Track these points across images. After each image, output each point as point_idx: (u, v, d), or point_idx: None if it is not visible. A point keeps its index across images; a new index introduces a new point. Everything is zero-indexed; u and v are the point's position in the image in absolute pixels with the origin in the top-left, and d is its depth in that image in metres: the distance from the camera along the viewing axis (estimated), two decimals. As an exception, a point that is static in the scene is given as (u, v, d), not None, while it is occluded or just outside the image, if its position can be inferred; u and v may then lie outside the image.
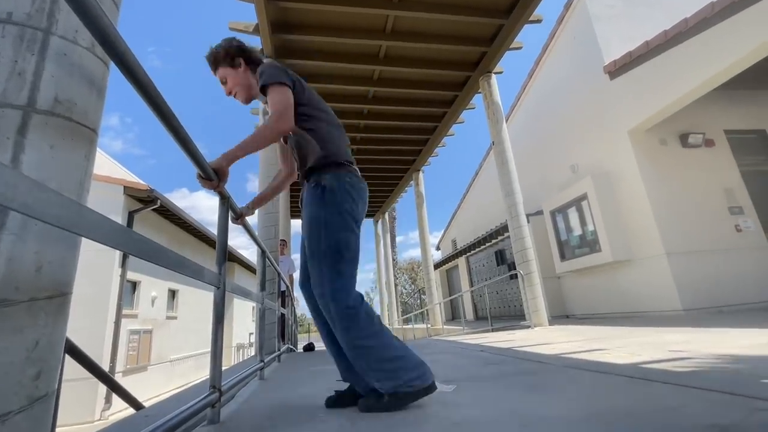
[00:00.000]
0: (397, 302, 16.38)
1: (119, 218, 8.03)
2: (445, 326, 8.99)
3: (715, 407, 1.04)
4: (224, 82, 1.61)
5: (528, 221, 8.46)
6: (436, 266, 15.94)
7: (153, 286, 9.63)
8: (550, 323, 5.55)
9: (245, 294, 1.88)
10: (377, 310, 13.68)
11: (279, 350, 3.37)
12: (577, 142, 7.35)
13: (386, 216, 14.42)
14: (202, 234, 11.58)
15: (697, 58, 4.79)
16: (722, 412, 0.98)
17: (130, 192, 8.26)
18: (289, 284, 6.44)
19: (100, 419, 6.93)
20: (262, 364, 2.29)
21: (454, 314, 15.52)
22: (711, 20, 4.48)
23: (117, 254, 7.92)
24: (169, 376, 10.22)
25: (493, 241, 10.64)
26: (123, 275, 8.04)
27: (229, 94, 1.62)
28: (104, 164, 10.80)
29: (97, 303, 7.42)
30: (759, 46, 4.09)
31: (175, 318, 10.89)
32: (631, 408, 1.11)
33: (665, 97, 5.33)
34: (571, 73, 7.45)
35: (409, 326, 11.14)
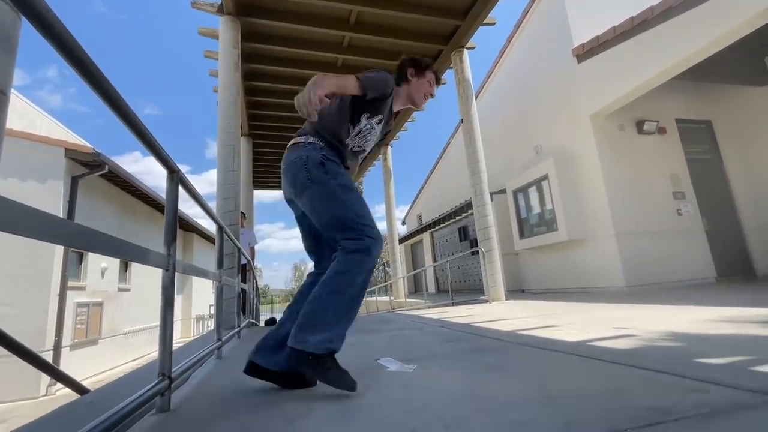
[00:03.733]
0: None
1: (60, 184, 7.38)
2: (408, 299, 9.22)
3: (657, 388, 1.11)
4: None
5: (492, 200, 8.68)
6: (402, 240, 16.16)
7: (103, 257, 9.06)
8: (507, 297, 5.81)
9: (200, 273, 1.78)
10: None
11: (239, 326, 3.29)
12: (542, 123, 7.50)
13: (353, 189, 14.28)
14: (158, 203, 10.93)
15: (659, 46, 4.94)
16: (663, 393, 1.05)
17: (73, 155, 7.57)
18: (249, 257, 6.27)
19: (45, 395, 6.60)
20: (220, 342, 2.22)
21: (417, 287, 15.96)
22: (675, 10, 4.60)
23: (60, 222, 7.32)
24: (123, 349, 9.86)
25: (458, 217, 10.88)
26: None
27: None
28: (41, 122, 9.78)
29: (38, 276, 6.90)
30: (716, 38, 4.27)
31: (128, 290, 10.40)
32: (582, 389, 1.16)
33: (627, 84, 5.50)
34: (541, 53, 7.49)
35: (373, 298, 11.34)
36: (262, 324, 5.67)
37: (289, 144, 1.60)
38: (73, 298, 7.71)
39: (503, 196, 8.45)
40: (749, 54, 6.15)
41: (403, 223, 18.48)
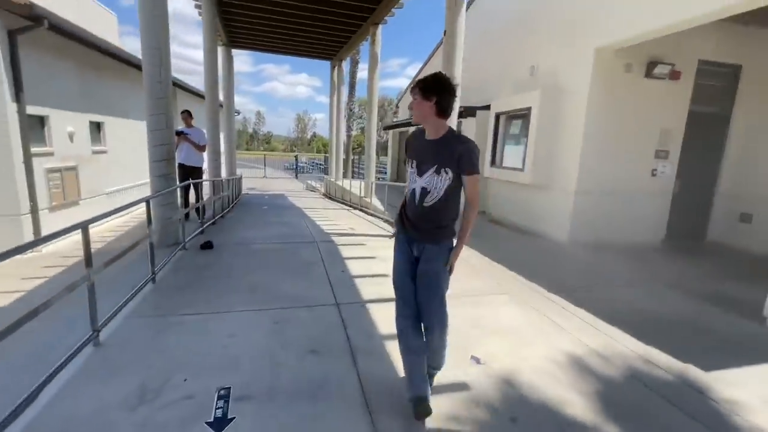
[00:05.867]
0: (348, 156, 16.39)
1: (-6, 42, 6.59)
2: (374, 200, 9.42)
3: None
4: (411, 108, 1.92)
5: (475, 115, 8.04)
6: (391, 127, 15.48)
7: (68, 120, 8.79)
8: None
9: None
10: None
11: (153, 274, 3.30)
12: (541, 43, 6.35)
13: (343, 64, 12.91)
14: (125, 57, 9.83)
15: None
16: None
17: (4, 5, 6.51)
18: (198, 158, 6.15)
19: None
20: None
21: (399, 175, 16.02)
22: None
23: (5, 86, 6.84)
24: (110, 207, 10.45)
25: (443, 121, 10.20)
26: (21, 111, 7.16)
27: (415, 118, 1.91)
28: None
29: (-6, 144, 6.82)
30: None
31: (104, 152, 10.42)
32: None
33: (655, 20, 4.42)
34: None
35: (347, 184, 11.37)
36: (208, 246, 5.87)
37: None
38: (42, 164, 7.80)
39: (487, 113, 7.77)
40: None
41: (396, 106, 17.37)
